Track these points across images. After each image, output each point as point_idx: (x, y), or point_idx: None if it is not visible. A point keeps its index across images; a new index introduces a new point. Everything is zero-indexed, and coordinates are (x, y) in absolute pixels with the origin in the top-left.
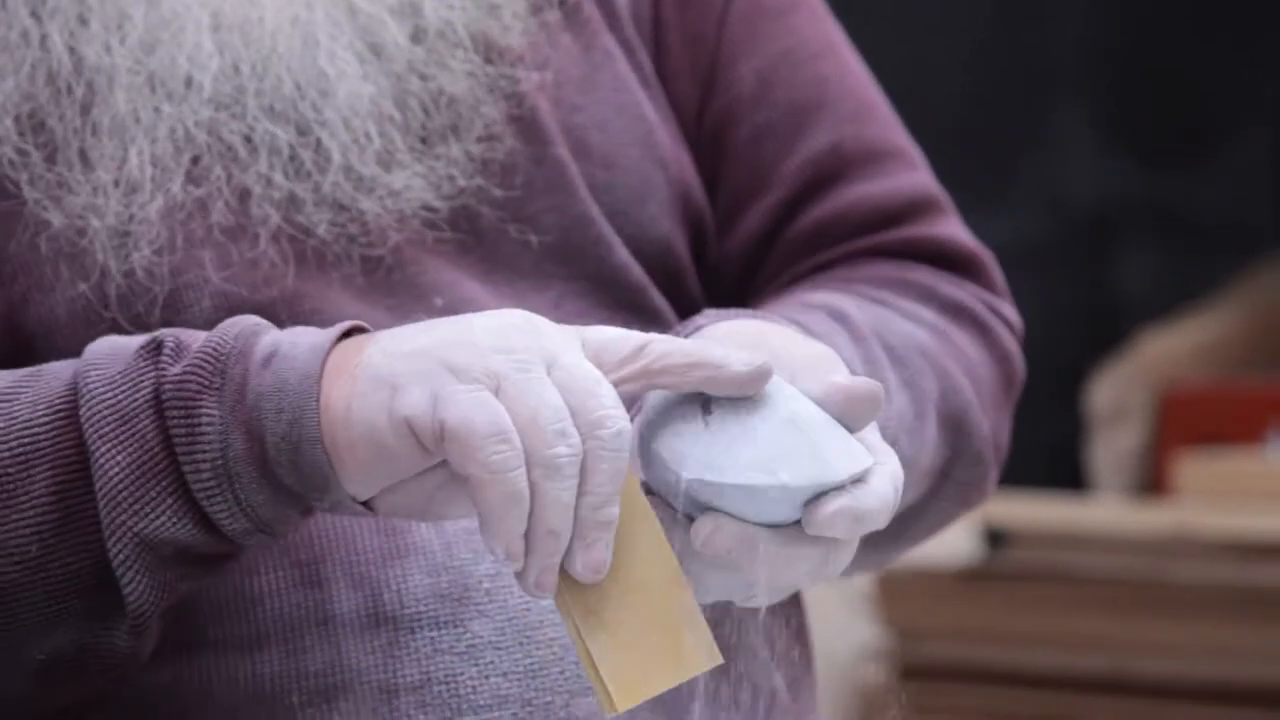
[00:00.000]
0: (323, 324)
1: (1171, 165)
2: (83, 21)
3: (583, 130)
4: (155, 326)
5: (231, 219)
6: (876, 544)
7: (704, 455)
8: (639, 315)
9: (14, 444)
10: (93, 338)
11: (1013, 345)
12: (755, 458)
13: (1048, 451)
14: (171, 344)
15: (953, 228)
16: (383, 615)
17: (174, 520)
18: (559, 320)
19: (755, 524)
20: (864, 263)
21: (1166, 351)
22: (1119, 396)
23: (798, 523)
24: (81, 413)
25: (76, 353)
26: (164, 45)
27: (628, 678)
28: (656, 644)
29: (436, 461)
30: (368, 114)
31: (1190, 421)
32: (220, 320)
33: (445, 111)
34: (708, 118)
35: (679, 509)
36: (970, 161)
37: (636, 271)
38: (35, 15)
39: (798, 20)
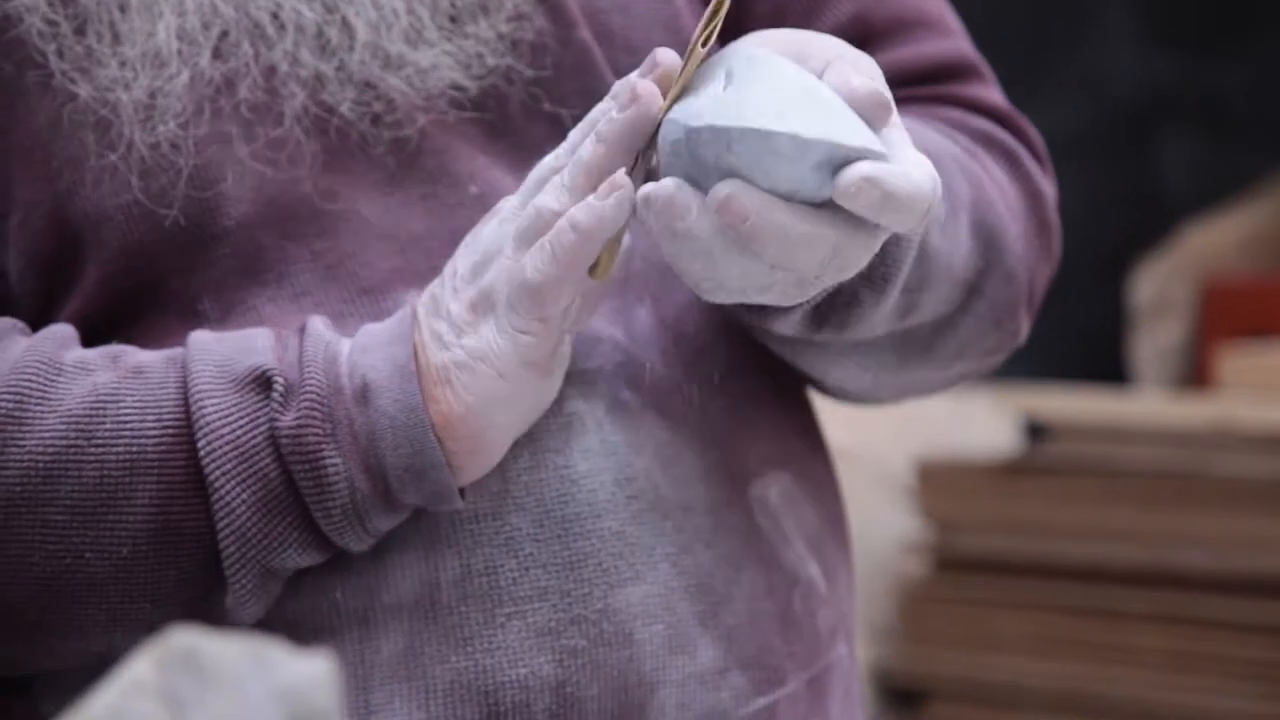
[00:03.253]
0: (359, 222)
1: (1215, 55)
2: None
3: (605, 14)
4: (179, 201)
5: (259, 96)
6: (907, 356)
7: (716, 108)
8: None
9: (121, 450)
10: (129, 221)
11: (1045, 187)
12: (769, 109)
13: (1089, 344)
14: (280, 385)
15: (988, 91)
16: (422, 509)
17: (300, 551)
18: None
19: (771, 193)
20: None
21: (1209, 244)
22: (1161, 289)
23: (815, 206)
24: (200, 444)
25: (119, 245)
26: None
27: None
28: None
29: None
30: None
31: (1233, 314)
32: (245, 198)
33: None
34: None
35: (689, 169)
36: (1013, 50)
37: None
38: None
39: None
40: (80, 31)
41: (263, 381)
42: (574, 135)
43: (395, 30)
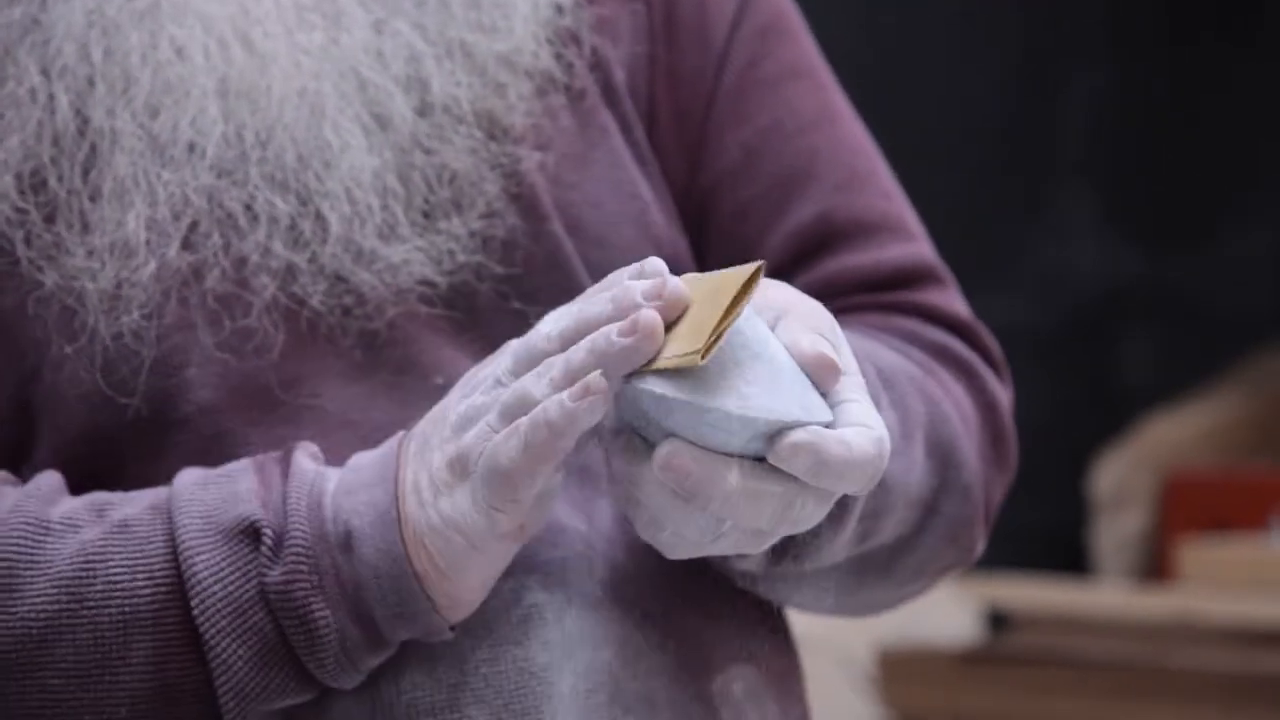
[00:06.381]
0: (323, 410)
1: (1174, 250)
2: (90, 83)
3: (577, 208)
4: (141, 391)
5: (227, 286)
6: (866, 578)
7: (662, 373)
8: None
9: (113, 610)
10: (89, 409)
11: (1001, 398)
12: (709, 380)
13: (1050, 535)
14: (269, 536)
15: (947, 298)
16: (379, 702)
17: (296, 694)
18: None
19: (714, 451)
20: (848, 316)
21: (1170, 437)
22: (1122, 481)
23: (760, 460)
24: (193, 603)
25: (77, 429)
26: (168, 110)
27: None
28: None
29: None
30: (370, 186)
31: (1194, 507)
32: (208, 384)
33: (447, 187)
34: (694, 193)
35: (633, 426)
36: (973, 245)
37: None
38: (45, 74)
39: (793, 91)
40: (50, 220)
41: (251, 533)
42: (567, 317)
43: (369, 225)
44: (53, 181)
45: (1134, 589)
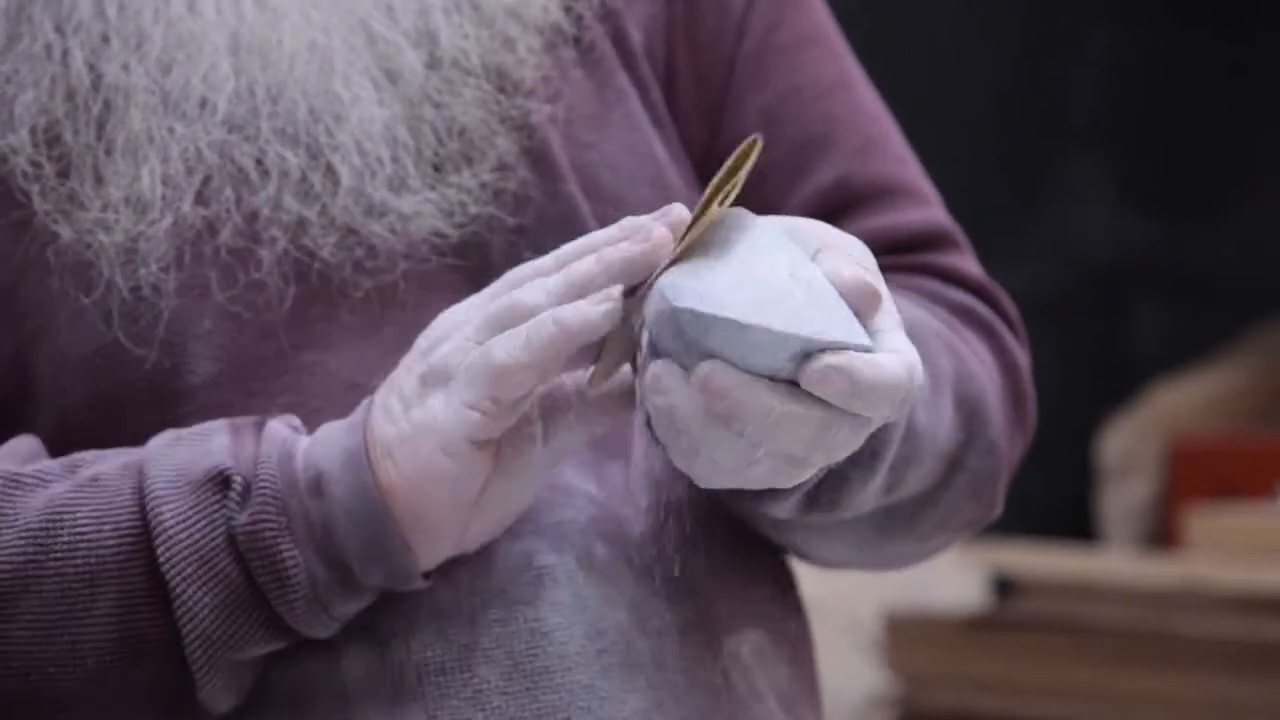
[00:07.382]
0: (330, 373)
1: (1184, 220)
2: (104, 39)
3: (593, 169)
4: (158, 344)
5: (239, 241)
6: (890, 531)
7: (701, 289)
8: None
9: (79, 561)
10: (99, 368)
11: (1021, 359)
12: (750, 299)
13: (1058, 502)
14: (239, 483)
15: (965, 261)
16: (390, 660)
17: (267, 643)
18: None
19: (751, 373)
20: None
21: (1177, 404)
22: (1129, 448)
23: (797, 384)
24: (159, 550)
25: (83, 394)
26: (180, 65)
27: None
28: None
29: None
30: (380, 139)
31: (1201, 474)
32: (214, 353)
33: (457, 140)
34: (713, 157)
35: (669, 352)
36: (984, 213)
37: None
38: (59, 30)
39: (810, 57)
40: (64, 174)
41: (220, 481)
42: (565, 250)
43: (379, 178)
44: (67, 136)
45: (1140, 556)
